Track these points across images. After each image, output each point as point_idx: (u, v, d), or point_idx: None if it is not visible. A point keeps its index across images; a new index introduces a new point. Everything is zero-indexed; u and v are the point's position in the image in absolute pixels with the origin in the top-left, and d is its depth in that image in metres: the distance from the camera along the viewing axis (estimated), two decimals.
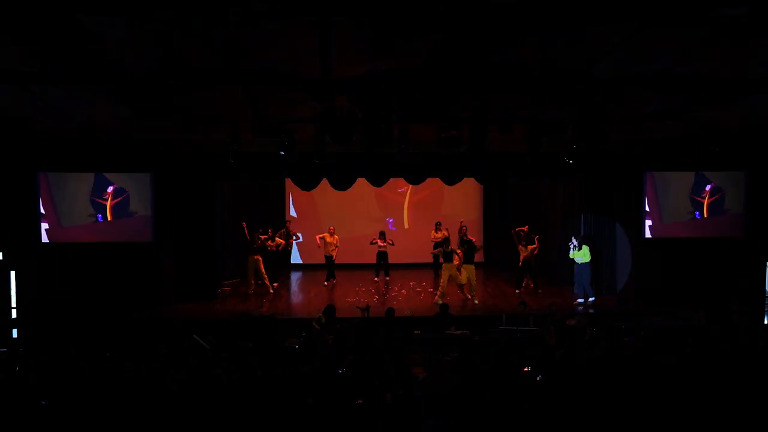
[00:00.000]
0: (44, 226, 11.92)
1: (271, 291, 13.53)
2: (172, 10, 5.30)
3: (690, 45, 6.24)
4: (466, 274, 12.52)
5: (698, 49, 6.33)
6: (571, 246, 12.70)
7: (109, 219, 12.02)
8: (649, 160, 12.64)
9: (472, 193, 16.72)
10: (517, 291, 13.39)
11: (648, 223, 12.75)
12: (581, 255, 12.60)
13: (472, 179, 14.45)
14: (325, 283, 14.18)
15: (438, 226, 14.91)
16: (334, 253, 14.21)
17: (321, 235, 14.43)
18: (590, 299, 12.59)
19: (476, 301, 12.42)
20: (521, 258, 13.47)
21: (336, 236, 14.30)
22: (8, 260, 11.92)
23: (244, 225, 13.65)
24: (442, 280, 12.49)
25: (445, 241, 12.73)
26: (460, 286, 12.60)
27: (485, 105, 7.55)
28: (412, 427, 6.90)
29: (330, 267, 14.30)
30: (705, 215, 12.82)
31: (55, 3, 5.04)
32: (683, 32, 5.93)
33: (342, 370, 7.34)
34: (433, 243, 14.69)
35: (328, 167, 11.98)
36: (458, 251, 12.76)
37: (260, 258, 13.52)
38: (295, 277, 15.38)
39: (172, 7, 5.22)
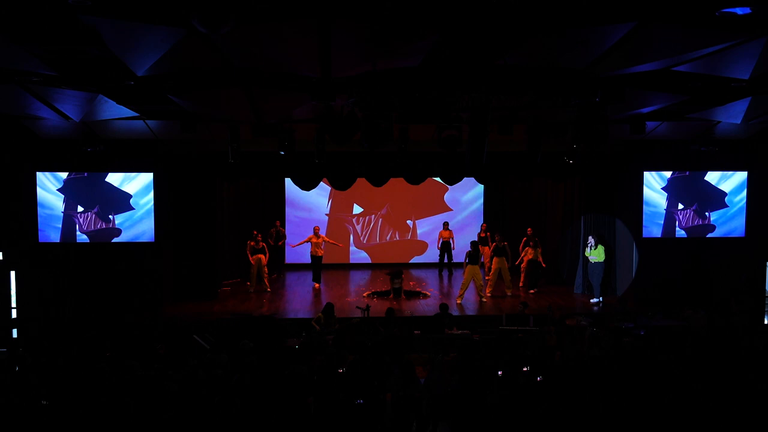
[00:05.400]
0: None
1: (252, 290, 13.60)
2: (173, 11, 5.30)
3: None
4: (471, 274, 12.55)
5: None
6: (589, 245, 12.77)
7: (112, 219, 12.05)
8: (649, 160, 12.64)
9: (472, 192, 16.73)
10: (531, 291, 13.50)
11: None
12: (596, 254, 12.67)
13: (472, 179, 14.50)
14: (316, 285, 14.06)
15: (446, 225, 15.22)
16: (320, 253, 14.01)
17: (310, 238, 14.18)
18: (594, 299, 12.64)
19: (484, 300, 12.59)
20: (528, 259, 13.61)
21: (322, 236, 14.20)
22: (8, 260, 11.93)
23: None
24: (465, 281, 12.63)
25: (473, 244, 12.83)
26: (479, 287, 12.72)
27: (485, 105, 7.54)
28: (412, 427, 6.91)
29: (316, 268, 14.05)
30: (706, 215, 12.83)
31: (55, 3, 5.03)
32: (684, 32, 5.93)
33: (342, 370, 7.35)
34: (440, 241, 15.15)
35: (328, 167, 11.97)
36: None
37: (263, 257, 13.65)
38: (295, 277, 15.36)
39: (173, 7, 5.22)
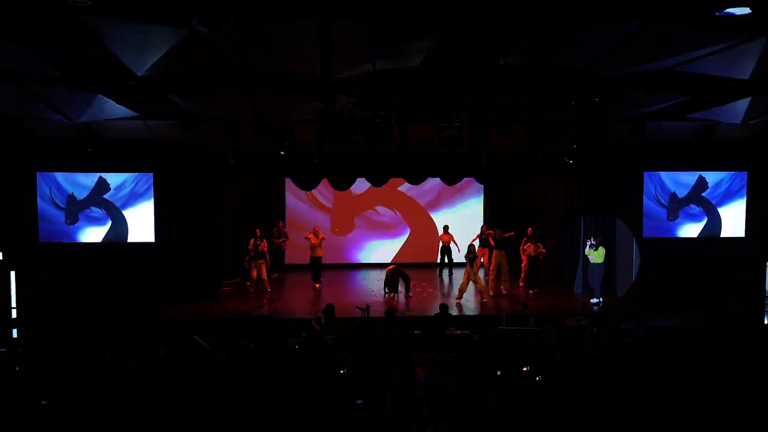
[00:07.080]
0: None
1: (252, 290, 13.60)
2: (173, 11, 5.30)
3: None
4: (469, 275, 12.57)
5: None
6: (588, 244, 12.76)
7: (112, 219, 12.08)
8: (649, 160, 12.64)
9: (472, 193, 16.73)
10: (531, 291, 13.52)
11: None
12: (596, 255, 12.69)
13: (473, 179, 14.51)
14: (316, 286, 14.05)
15: (446, 229, 15.17)
16: (320, 253, 13.98)
17: (307, 236, 14.16)
18: (594, 299, 12.64)
19: (484, 300, 12.63)
20: (528, 254, 13.61)
21: (322, 236, 14.16)
22: (8, 260, 11.92)
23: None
24: (463, 282, 12.66)
25: (470, 247, 12.84)
26: (481, 288, 12.78)
27: (485, 105, 7.55)
28: (412, 427, 6.90)
29: (315, 269, 14.03)
30: (707, 215, 12.84)
31: (55, 3, 5.03)
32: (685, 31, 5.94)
33: (342, 370, 7.35)
34: (439, 245, 15.13)
35: (328, 167, 11.97)
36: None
37: (263, 263, 13.66)
38: (295, 277, 15.35)
39: (173, 7, 5.22)
